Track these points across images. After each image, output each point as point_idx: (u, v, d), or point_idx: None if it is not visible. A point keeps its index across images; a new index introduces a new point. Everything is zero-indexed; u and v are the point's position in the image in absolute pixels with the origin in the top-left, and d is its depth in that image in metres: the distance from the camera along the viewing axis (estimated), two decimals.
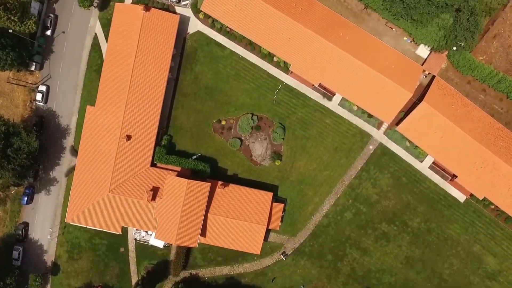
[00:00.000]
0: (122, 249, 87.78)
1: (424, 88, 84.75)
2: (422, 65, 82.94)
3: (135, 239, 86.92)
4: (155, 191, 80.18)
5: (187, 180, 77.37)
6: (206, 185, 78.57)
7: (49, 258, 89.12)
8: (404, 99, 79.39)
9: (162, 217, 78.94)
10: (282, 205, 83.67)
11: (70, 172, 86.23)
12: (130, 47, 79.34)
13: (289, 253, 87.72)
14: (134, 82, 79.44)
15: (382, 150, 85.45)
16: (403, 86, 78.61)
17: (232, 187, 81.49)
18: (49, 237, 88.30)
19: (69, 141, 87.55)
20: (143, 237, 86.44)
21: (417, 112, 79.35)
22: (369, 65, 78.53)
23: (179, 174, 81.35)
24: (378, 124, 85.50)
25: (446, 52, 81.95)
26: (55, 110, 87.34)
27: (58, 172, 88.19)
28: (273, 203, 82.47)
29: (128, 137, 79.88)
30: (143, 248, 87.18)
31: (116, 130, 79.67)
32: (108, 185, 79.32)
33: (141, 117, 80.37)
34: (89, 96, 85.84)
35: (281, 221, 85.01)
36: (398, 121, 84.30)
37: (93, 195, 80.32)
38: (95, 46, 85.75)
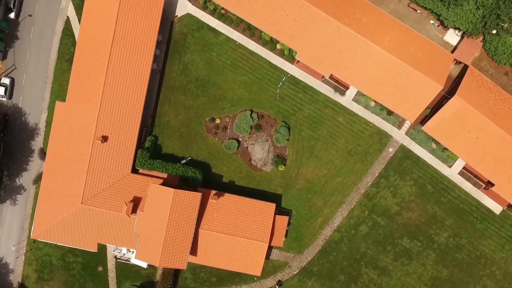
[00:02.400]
0: (100, 268, 76.14)
1: (453, 81, 72.69)
2: (453, 53, 70.60)
3: (115, 257, 75.21)
4: (136, 203, 68.30)
5: (173, 189, 65.49)
6: (197, 195, 66.90)
7: (15, 278, 77.35)
8: (432, 92, 67.14)
9: (144, 233, 66.99)
10: (286, 217, 72.41)
11: (40, 179, 74.20)
12: (106, 32, 67.42)
13: (295, 273, 75.88)
14: (111, 73, 67.66)
15: (404, 153, 73.97)
16: (431, 77, 66.37)
17: (228, 197, 69.98)
18: (13, 252, 76.30)
19: (38, 143, 75.65)
20: (124, 254, 74.75)
21: (448, 108, 67.14)
22: (391, 52, 66.51)
23: (165, 182, 69.54)
24: (399, 123, 73.79)
25: (482, 38, 69.55)
26: (21, 106, 75.65)
27: (26, 179, 76.37)
28: (276, 215, 71.27)
29: (104, 138, 68.03)
30: (125, 267, 75.57)
31: (90, 130, 67.85)
32: (81, 195, 67.58)
33: (119, 114, 68.60)
34: (60, 90, 74.13)
35: (286, 236, 73.81)
36: (423, 119, 72.46)
37: (63, 207, 68.49)
38: (67, 31, 74.01)
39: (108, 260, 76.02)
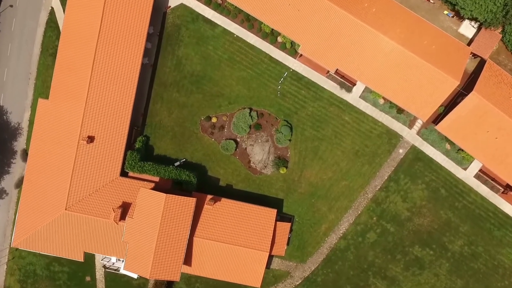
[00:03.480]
0: (88, 278, 71.07)
1: (468, 76, 67.36)
2: (469, 46, 65.17)
3: (104, 266, 69.99)
4: (125, 208, 63.13)
5: (165, 194, 60.28)
6: (191, 201, 61.71)
7: None
8: (448, 89, 61.74)
9: (133, 242, 61.74)
10: (288, 224, 67.36)
11: (22, 182, 68.86)
12: (92, 24, 62.16)
13: (298, 283, 70.90)
14: (98, 68, 62.50)
15: (415, 155, 68.75)
16: (447, 72, 60.91)
17: (225, 202, 64.79)
18: None
19: (20, 144, 70.43)
20: (113, 263, 69.60)
21: (464, 105, 61.71)
22: (402, 44, 61.12)
23: (157, 186, 64.40)
24: (410, 122, 68.52)
25: (501, 29, 64.14)
26: (3, 104, 70.42)
27: (8, 182, 71.17)
28: (277, 222, 66.11)
29: (90, 139, 62.85)
30: (114, 277, 70.43)
31: (75, 130, 62.65)
32: (65, 200, 62.32)
33: (107, 113, 63.45)
34: (44, 86, 68.96)
35: (287, 244, 68.71)
36: (436, 117, 67.23)
37: (46, 213, 63.26)
38: (52, 23, 68.68)
39: (96, 270, 70.92)
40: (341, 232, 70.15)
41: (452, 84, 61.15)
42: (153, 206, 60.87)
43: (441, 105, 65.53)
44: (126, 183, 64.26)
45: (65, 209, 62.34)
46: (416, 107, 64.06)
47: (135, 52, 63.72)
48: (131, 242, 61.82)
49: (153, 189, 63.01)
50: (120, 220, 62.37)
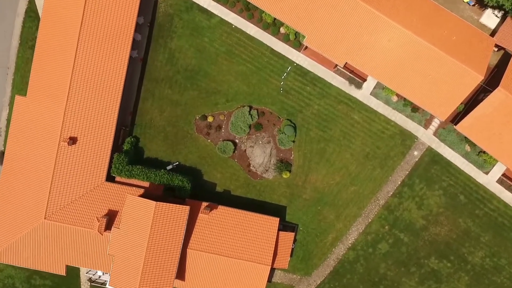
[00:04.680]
0: None
1: (491, 71, 61.25)
2: (492, 37, 58.99)
3: (90, 279, 64.00)
4: (111, 217, 57.05)
5: (155, 202, 54.17)
6: (184, 209, 55.70)
7: None
8: (470, 84, 55.51)
9: (119, 255, 55.61)
10: (292, 234, 61.37)
11: None
12: (74, 13, 55.92)
13: None
14: (81, 62, 56.33)
15: (432, 158, 62.82)
16: (469, 65, 54.71)
17: (222, 210, 58.76)
18: None
19: None
20: (99, 277, 63.70)
21: (489, 102, 55.59)
22: (420, 35, 54.86)
23: (147, 193, 58.34)
24: (426, 122, 62.62)
25: None
26: None
27: None
28: (280, 231, 60.17)
29: (73, 140, 56.73)
30: None
31: (55, 130, 56.49)
32: (44, 208, 56.17)
33: (91, 111, 57.31)
34: (23, 82, 62.72)
35: (291, 255, 62.90)
36: (454, 116, 61.23)
37: (23, 223, 57.06)
38: (32, 13, 62.40)
39: (81, 283, 64.92)
40: (350, 242, 64.35)
41: (476, 79, 54.92)
42: (142, 215, 54.79)
43: (461, 103, 59.33)
44: (113, 189, 58.08)
45: (44, 218, 56.18)
46: (434, 104, 57.89)
47: (123, 44, 57.53)
48: (117, 255, 55.68)
49: (143, 195, 57.01)
50: (105, 230, 56.24)
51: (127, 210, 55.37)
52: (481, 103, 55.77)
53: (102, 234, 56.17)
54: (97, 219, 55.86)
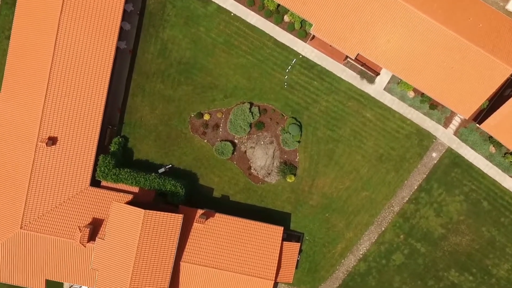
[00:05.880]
0: None
1: None
2: None
3: None
4: (95, 227, 51.33)
5: (143, 210, 48.46)
6: (177, 218, 50.02)
7: None
8: (498, 78, 49.80)
9: (104, 269, 49.90)
10: (297, 244, 55.96)
11: None
12: None
13: None
14: (61, 53, 50.61)
15: (452, 160, 57.40)
16: (498, 56, 49.01)
17: (220, 218, 53.22)
18: None
19: None
20: None
21: None
22: (442, 22, 49.16)
23: (136, 199, 52.82)
24: (445, 120, 57.10)
25: None
26: None
27: None
28: (284, 241, 54.79)
29: (52, 140, 51.09)
30: None
31: (32, 129, 50.86)
32: (20, 217, 50.47)
33: (74, 108, 51.65)
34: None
35: (296, 267, 57.39)
36: (477, 114, 55.51)
37: None
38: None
39: None
40: (361, 253, 58.96)
41: (505, 71, 49.15)
42: (129, 224, 49.04)
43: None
44: (98, 195, 52.35)
45: (20, 228, 50.43)
46: (456, 100, 52.11)
47: (109, 33, 51.74)
48: (101, 269, 49.92)
49: (131, 202, 51.37)
50: (88, 241, 50.50)
51: (113, 219, 49.62)
52: (511, 99, 49.90)
53: (85, 246, 50.45)
54: (79, 229, 50.08)
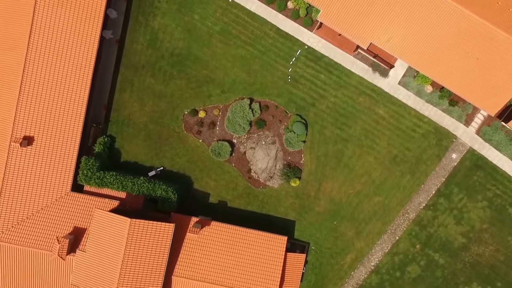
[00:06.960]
0: None
1: None
2: None
3: None
4: (76, 237, 46.45)
5: (129, 219, 43.62)
6: (168, 227, 45.34)
7: None
8: None
9: (85, 284, 45.01)
10: (303, 255, 51.79)
11: None
12: None
13: None
14: (37, 43, 46.07)
15: (474, 161, 53.18)
16: None
17: (216, 227, 48.86)
18: None
19: None
20: None
21: None
22: (466, 6, 44.44)
23: (122, 206, 48.13)
24: (467, 117, 52.70)
25: None
26: None
27: None
28: (288, 252, 50.60)
29: (28, 140, 46.31)
30: None
31: (5, 128, 46.23)
32: None
33: (52, 104, 47.12)
34: None
35: (301, 280, 53.14)
36: (503, 111, 50.93)
37: None
38: None
39: None
40: (373, 264, 54.72)
41: None
42: (113, 234, 44.08)
43: None
44: (80, 202, 47.60)
45: None
46: (480, 95, 47.30)
47: (92, 21, 47.13)
48: (82, 285, 44.91)
49: (116, 210, 46.50)
50: (68, 254, 45.58)
51: (95, 229, 44.60)
52: None
53: (64, 259, 45.46)
54: (58, 240, 45.01)
